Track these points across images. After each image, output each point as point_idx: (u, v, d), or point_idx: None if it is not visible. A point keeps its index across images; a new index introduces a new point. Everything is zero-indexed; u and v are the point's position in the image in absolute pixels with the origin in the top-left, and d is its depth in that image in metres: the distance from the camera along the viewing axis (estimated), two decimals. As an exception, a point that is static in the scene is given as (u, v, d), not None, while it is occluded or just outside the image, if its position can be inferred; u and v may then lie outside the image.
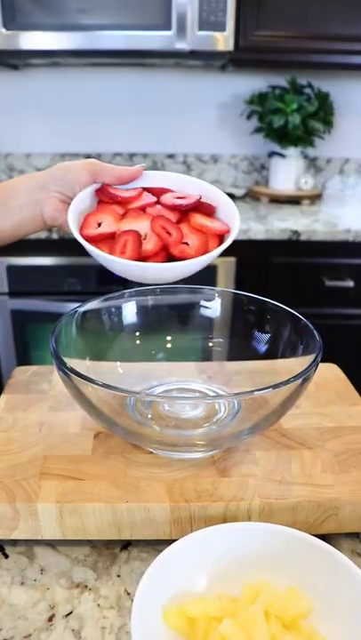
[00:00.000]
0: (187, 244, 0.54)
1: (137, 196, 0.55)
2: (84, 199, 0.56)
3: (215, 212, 0.57)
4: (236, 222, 0.55)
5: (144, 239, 0.53)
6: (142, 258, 0.52)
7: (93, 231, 0.53)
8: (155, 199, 0.56)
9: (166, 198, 0.55)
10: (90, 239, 0.52)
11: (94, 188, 0.56)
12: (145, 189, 0.57)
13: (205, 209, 0.56)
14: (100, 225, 0.54)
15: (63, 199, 0.56)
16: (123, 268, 0.51)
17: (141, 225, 0.53)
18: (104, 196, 0.56)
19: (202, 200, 0.56)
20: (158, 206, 0.56)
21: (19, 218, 0.57)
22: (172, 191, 0.57)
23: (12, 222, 0.57)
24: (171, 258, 0.54)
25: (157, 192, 0.57)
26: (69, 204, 0.55)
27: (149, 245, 0.52)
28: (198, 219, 0.55)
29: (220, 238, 0.55)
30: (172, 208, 0.55)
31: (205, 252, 0.53)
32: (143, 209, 0.55)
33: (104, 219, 0.54)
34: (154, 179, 0.58)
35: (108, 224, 0.53)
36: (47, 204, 0.56)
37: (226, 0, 1.48)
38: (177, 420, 0.59)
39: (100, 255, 0.51)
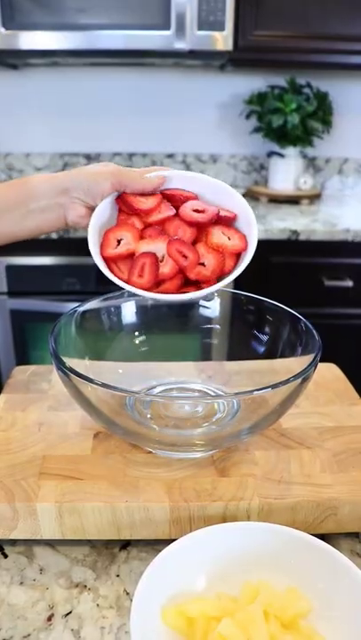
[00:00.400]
0: (203, 264, 0.54)
1: (156, 207, 0.55)
2: (104, 211, 0.55)
3: (235, 220, 0.56)
4: (254, 237, 0.54)
5: (161, 261, 0.53)
6: (159, 280, 0.53)
7: (112, 251, 0.54)
8: (173, 212, 0.55)
9: (185, 212, 0.55)
10: (109, 259, 0.54)
11: (114, 196, 0.56)
12: (164, 195, 0.56)
13: (224, 221, 0.56)
14: (119, 242, 0.54)
15: (86, 205, 0.56)
16: (139, 294, 0.53)
17: (159, 246, 0.54)
18: (124, 206, 0.55)
19: (221, 213, 0.55)
20: (176, 216, 0.56)
21: (40, 219, 0.57)
22: (192, 197, 0.56)
23: (33, 222, 0.57)
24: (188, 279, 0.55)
25: (177, 198, 0.56)
26: (91, 208, 0.55)
27: (166, 269, 0.53)
28: (216, 237, 0.54)
29: (238, 255, 0.55)
30: (191, 224, 0.54)
31: (222, 271, 0.54)
32: (162, 222, 0.55)
33: (123, 235, 0.54)
34: (175, 180, 0.57)
35: (127, 242, 0.54)
36: (70, 208, 0.56)
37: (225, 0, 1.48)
38: (176, 420, 0.59)
39: (117, 282, 0.53)
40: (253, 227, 0.55)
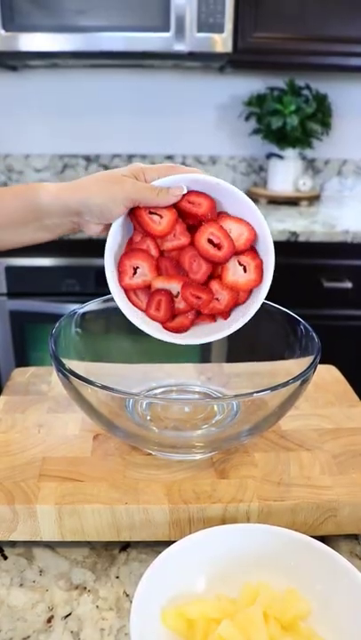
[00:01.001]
0: (217, 299, 0.55)
1: (170, 230, 0.53)
2: (117, 233, 0.55)
3: (255, 241, 0.55)
4: (270, 267, 0.54)
5: (176, 297, 0.55)
6: (175, 313, 0.56)
7: (130, 282, 0.55)
8: (188, 239, 0.54)
9: (201, 245, 0.54)
10: (127, 288, 0.56)
11: (126, 214, 0.54)
12: (179, 209, 0.53)
13: (242, 250, 0.55)
14: (135, 271, 0.55)
15: (100, 223, 0.55)
16: (155, 337, 0.56)
17: (174, 286, 0.55)
18: (137, 226, 0.54)
19: (237, 244, 0.54)
20: (192, 243, 0.55)
21: (55, 231, 0.56)
22: (207, 214, 0.53)
23: (48, 233, 0.56)
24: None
25: (192, 215, 0.54)
26: (107, 224, 0.55)
27: (181, 305, 0.55)
28: (231, 273, 0.54)
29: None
30: (207, 259, 0.54)
31: (235, 304, 0.56)
32: (177, 249, 0.54)
33: (139, 264, 0.54)
34: (194, 185, 0.53)
35: (144, 273, 0.55)
36: (85, 227, 0.55)
37: (224, 1, 1.48)
38: (176, 422, 0.59)
39: (134, 321, 0.55)
40: (270, 254, 0.54)
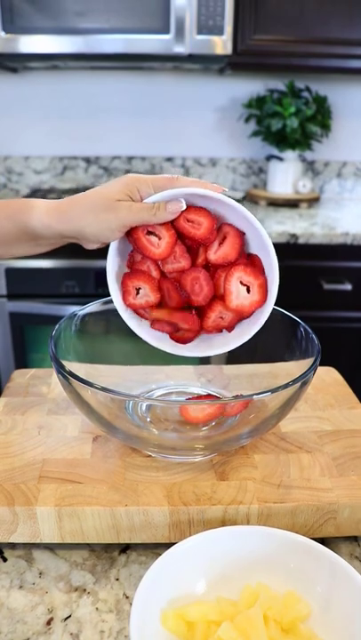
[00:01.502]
0: (221, 317, 0.56)
1: (169, 252, 0.53)
2: (116, 255, 0.55)
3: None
4: (274, 284, 0.54)
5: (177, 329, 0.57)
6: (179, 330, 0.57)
7: (134, 302, 0.56)
8: (189, 262, 0.54)
9: (204, 280, 0.55)
10: (132, 307, 0.57)
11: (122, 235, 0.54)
12: (178, 229, 0.53)
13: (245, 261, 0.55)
14: (138, 291, 0.55)
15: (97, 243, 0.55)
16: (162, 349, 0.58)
17: (174, 320, 0.56)
18: (136, 248, 0.54)
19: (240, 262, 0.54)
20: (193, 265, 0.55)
21: (52, 247, 0.57)
22: (207, 235, 0.52)
23: (46, 248, 0.57)
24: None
25: (191, 236, 0.53)
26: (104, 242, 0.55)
27: (185, 326, 0.56)
28: (234, 297, 0.53)
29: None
30: (209, 283, 0.55)
31: (239, 320, 0.56)
32: (178, 271, 0.54)
33: (141, 285, 0.55)
34: (192, 198, 0.52)
35: (146, 294, 0.55)
36: (82, 245, 0.55)
37: (224, 4, 1.48)
38: (176, 424, 0.59)
39: (143, 335, 0.57)
40: (275, 270, 0.53)
